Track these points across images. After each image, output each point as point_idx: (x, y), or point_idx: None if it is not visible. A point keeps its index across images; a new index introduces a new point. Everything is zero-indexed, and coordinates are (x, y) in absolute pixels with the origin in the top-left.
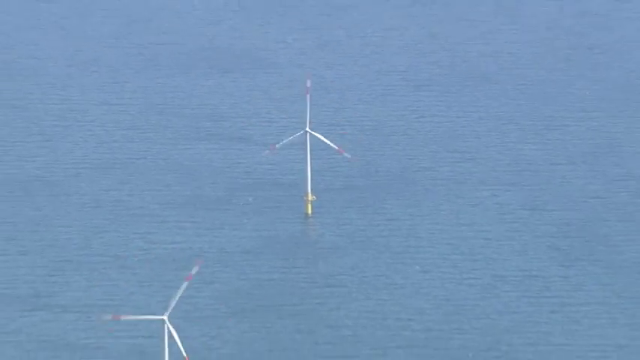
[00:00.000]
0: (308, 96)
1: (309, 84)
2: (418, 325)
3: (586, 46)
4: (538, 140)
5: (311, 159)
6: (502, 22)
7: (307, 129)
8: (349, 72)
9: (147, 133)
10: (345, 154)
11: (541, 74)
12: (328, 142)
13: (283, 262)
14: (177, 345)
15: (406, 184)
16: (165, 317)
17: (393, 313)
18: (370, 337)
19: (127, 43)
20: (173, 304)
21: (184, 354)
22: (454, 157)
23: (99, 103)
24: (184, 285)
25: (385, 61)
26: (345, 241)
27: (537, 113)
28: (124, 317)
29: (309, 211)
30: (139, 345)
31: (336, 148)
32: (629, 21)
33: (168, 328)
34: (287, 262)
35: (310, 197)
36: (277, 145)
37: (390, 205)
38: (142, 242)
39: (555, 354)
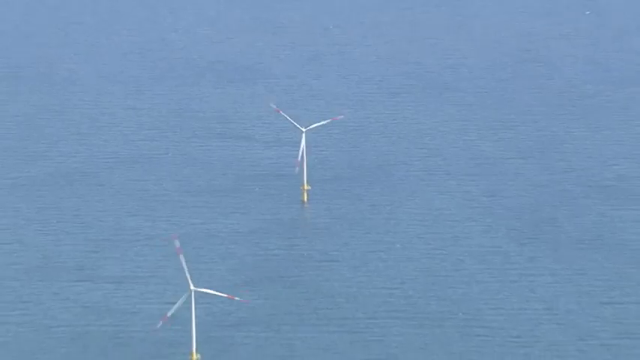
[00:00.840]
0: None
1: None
2: (401, 293)
3: (529, 60)
4: (493, 138)
5: (306, 154)
6: (459, 40)
7: (304, 130)
8: (334, 82)
9: (166, 132)
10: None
11: (493, 83)
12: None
13: (285, 240)
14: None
15: (385, 176)
16: (192, 288)
17: (380, 283)
18: (361, 303)
19: (147, 58)
20: (188, 275)
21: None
22: (424, 152)
23: (125, 108)
24: (182, 258)
25: (364, 74)
26: (336, 223)
27: (491, 116)
28: (201, 289)
29: (305, 199)
30: (167, 308)
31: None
32: (563, 39)
33: (192, 296)
34: (288, 240)
35: (306, 187)
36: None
37: (372, 193)
38: (166, 224)
39: (515, 317)
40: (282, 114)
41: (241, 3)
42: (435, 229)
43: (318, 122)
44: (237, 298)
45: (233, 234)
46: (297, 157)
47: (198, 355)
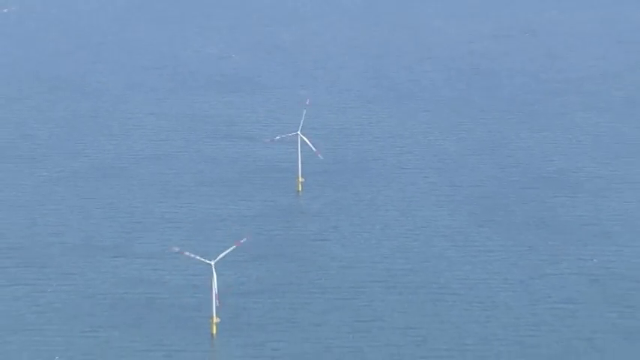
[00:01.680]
0: (304, 111)
1: (308, 102)
2: (383, 266)
3: (480, 74)
4: (453, 139)
5: (300, 152)
6: (423, 58)
7: (299, 132)
8: (319, 92)
9: (183, 134)
10: (320, 156)
11: (451, 93)
12: (310, 144)
13: (283, 223)
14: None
15: (365, 170)
16: (212, 263)
17: (365, 259)
18: (350, 275)
19: (164, 72)
20: (221, 255)
21: (215, 291)
22: (396, 150)
23: (147, 114)
24: (232, 247)
25: (344, 84)
26: (326, 209)
27: (451, 120)
28: (185, 253)
29: (300, 189)
30: (190, 279)
31: (315, 150)
32: (508, 56)
33: (213, 270)
34: (286, 223)
35: (300, 179)
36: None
37: (355, 184)
38: (186, 209)
39: (477, 286)
40: (187, 254)
41: (242, 27)
42: (408, 213)
43: (224, 252)
44: (242, 241)
45: (240, 217)
46: (290, 151)
47: (218, 319)
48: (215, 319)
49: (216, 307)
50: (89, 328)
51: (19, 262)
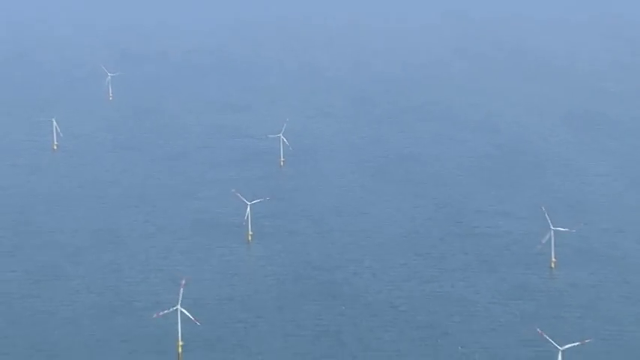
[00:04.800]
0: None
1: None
2: (333, 210)
3: (421, 100)
4: (407, 139)
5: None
6: (368, 79)
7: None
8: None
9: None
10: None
11: (396, 112)
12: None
13: (271, 188)
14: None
15: (329, 156)
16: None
17: (329, 203)
18: (318, 218)
19: (182, 95)
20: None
21: None
22: (360, 148)
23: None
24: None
25: (311, 102)
26: (301, 177)
27: (402, 133)
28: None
29: (282, 164)
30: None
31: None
32: (441, 82)
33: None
34: (272, 195)
35: (282, 159)
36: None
37: (324, 161)
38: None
39: (434, 279)
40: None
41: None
42: (360, 182)
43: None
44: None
45: (237, 184)
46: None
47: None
48: None
49: None
50: None
51: None
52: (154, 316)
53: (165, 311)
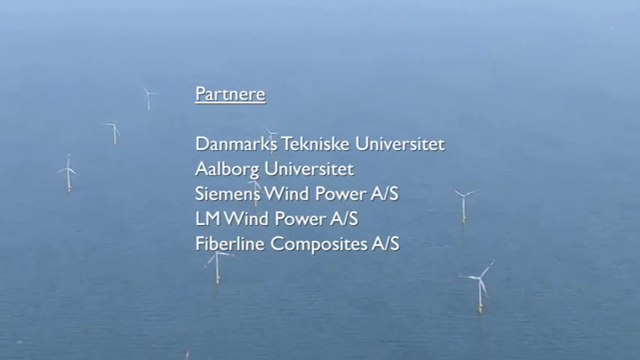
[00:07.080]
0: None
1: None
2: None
3: (373, 112)
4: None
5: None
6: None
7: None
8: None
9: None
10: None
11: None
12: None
13: (260, 184)
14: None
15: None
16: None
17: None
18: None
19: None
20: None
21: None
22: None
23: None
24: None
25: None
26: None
27: (378, 132)
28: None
29: (273, 155)
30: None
31: None
32: (387, 93)
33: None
34: (261, 184)
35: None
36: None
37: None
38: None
39: (413, 279)
40: None
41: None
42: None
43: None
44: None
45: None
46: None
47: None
48: None
49: None
50: None
51: None
52: None
53: None
